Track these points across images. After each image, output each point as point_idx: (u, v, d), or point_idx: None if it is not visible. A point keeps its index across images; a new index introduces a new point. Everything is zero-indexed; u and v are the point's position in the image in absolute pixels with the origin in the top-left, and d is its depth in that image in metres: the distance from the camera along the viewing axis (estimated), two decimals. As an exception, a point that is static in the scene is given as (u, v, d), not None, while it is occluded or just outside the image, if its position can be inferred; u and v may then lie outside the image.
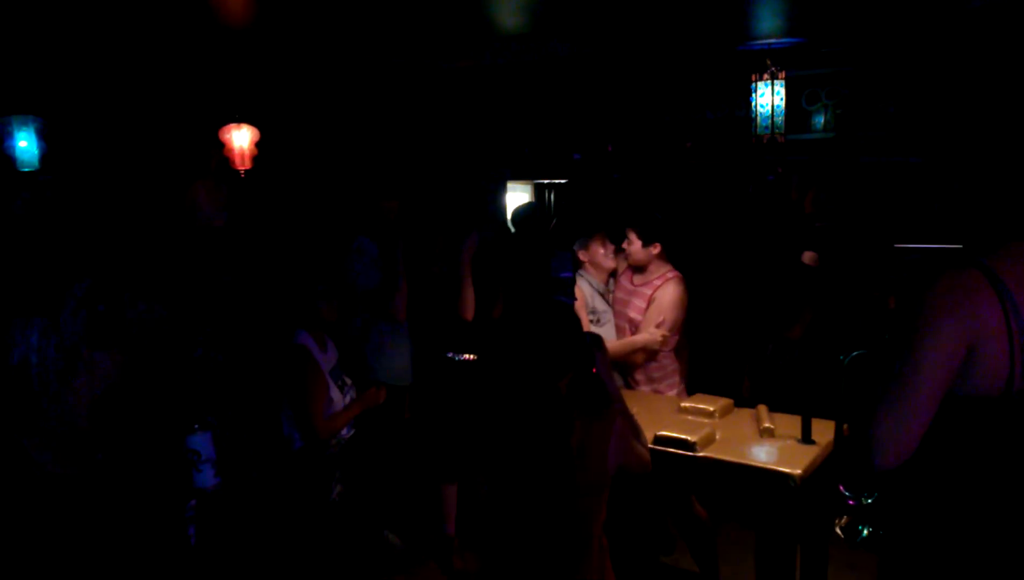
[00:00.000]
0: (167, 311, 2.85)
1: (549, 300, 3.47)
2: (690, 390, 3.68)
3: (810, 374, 3.51)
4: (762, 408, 3.10)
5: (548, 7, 3.99)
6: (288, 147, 5.79)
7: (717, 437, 2.86)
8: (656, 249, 3.61)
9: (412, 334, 3.99)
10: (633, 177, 6.24)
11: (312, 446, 2.97)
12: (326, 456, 3.03)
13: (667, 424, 2.92)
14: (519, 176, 6.72)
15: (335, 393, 3.04)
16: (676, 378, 3.68)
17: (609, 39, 4.93)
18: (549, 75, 6.23)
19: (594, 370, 2.20)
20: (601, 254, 3.83)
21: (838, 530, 1.87)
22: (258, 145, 5.16)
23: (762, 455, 2.73)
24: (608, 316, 3.81)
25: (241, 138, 5.07)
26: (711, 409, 3.14)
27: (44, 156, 4.68)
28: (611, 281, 3.90)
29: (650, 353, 3.57)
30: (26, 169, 4.63)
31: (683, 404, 3.24)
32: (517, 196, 6.54)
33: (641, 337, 3.55)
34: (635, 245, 3.62)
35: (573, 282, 3.68)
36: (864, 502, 1.80)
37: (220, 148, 5.13)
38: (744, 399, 3.80)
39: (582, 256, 3.87)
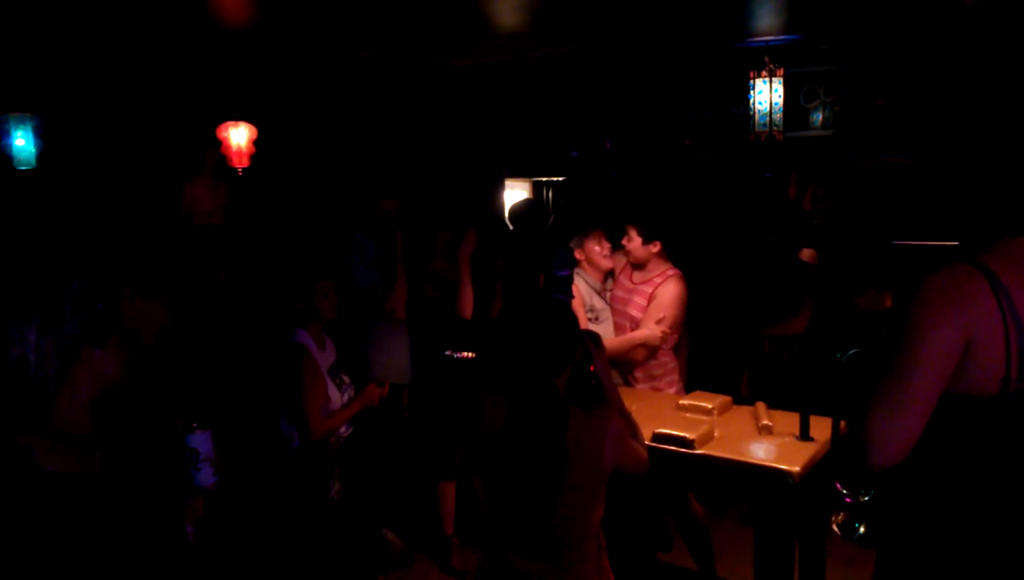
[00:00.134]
0: (166, 309, 2.84)
1: (546, 297, 3.47)
2: (688, 387, 3.68)
3: (808, 371, 3.52)
4: (760, 405, 3.10)
5: (547, 6, 3.99)
6: (286, 145, 5.79)
7: (715, 434, 2.85)
8: (656, 247, 3.61)
9: (411, 332, 3.99)
10: (631, 175, 6.24)
11: (310, 445, 2.97)
12: (324, 454, 3.03)
13: (665, 421, 2.92)
14: (517, 173, 6.71)
15: (333, 391, 3.04)
16: (675, 376, 3.69)
17: (608, 37, 4.93)
18: (547, 73, 6.23)
19: (592, 368, 2.21)
20: (597, 252, 3.81)
21: (835, 527, 1.87)
22: (256, 143, 5.16)
23: (760, 452, 2.73)
24: (606, 314, 3.81)
25: (239, 136, 5.07)
26: (709, 406, 3.13)
27: (41, 154, 4.68)
28: (608, 280, 3.89)
29: (650, 350, 3.57)
30: (23, 167, 4.62)
31: (681, 401, 3.23)
32: (515, 193, 6.54)
33: (641, 333, 3.54)
34: (635, 242, 3.61)
35: (571, 280, 3.68)
36: (861, 499, 1.80)
37: (218, 146, 5.14)
38: (742, 396, 3.81)
39: (578, 254, 3.84)
